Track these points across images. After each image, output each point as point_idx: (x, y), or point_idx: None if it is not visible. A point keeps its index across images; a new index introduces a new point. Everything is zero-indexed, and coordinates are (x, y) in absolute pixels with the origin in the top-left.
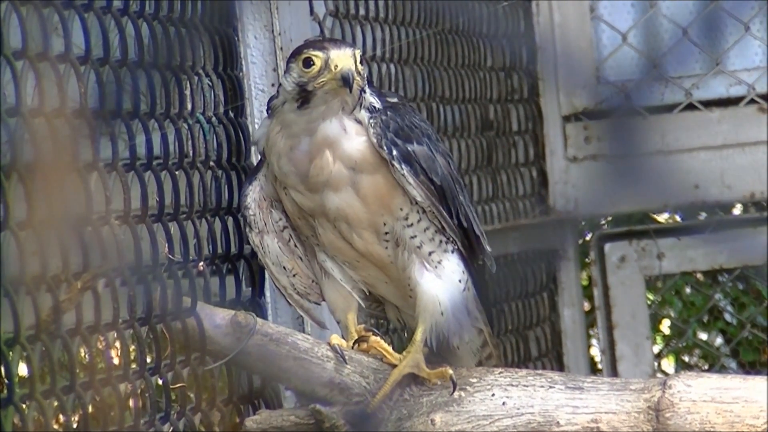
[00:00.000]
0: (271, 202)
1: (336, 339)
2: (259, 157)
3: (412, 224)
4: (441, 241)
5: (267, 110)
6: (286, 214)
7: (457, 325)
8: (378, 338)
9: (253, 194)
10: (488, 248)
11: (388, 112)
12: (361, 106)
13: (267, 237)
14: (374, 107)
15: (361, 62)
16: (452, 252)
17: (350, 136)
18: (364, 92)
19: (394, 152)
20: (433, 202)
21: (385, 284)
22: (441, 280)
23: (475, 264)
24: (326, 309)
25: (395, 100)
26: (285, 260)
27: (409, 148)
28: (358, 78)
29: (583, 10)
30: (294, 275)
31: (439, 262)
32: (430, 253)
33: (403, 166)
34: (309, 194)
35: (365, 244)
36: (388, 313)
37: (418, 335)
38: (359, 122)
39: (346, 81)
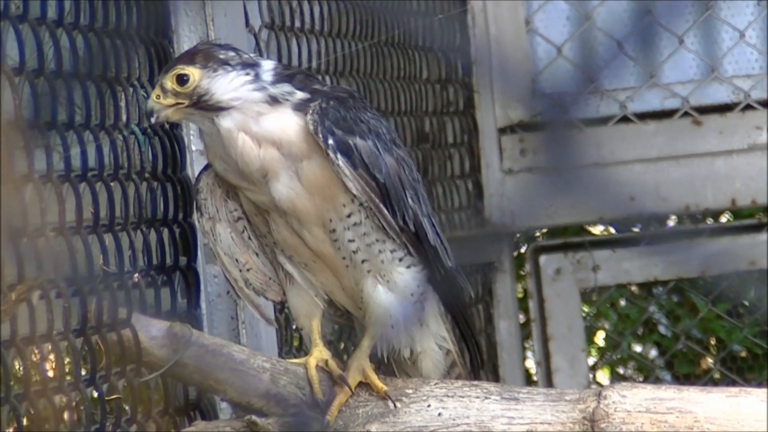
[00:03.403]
0: (227, 191)
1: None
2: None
3: (356, 223)
4: (391, 250)
5: None
6: (242, 206)
7: (408, 338)
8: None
9: (207, 179)
10: (448, 263)
11: (331, 102)
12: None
13: (219, 225)
14: (275, 97)
15: (211, 62)
16: (401, 261)
17: (265, 116)
18: (206, 98)
19: (330, 141)
20: (372, 197)
21: (342, 291)
22: (392, 293)
23: (437, 277)
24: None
25: (344, 94)
26: (238, 252)
27: (349, 140)
28: (169, 99)
29: (518, 22)
30: (248, 270)
31: (390, 273)
32: (380, 261)
33: (339, 156)
34: (256, 188)
35: (316, 243)
36: (355, 322)
37: (365, 342)
38: (276, 101)
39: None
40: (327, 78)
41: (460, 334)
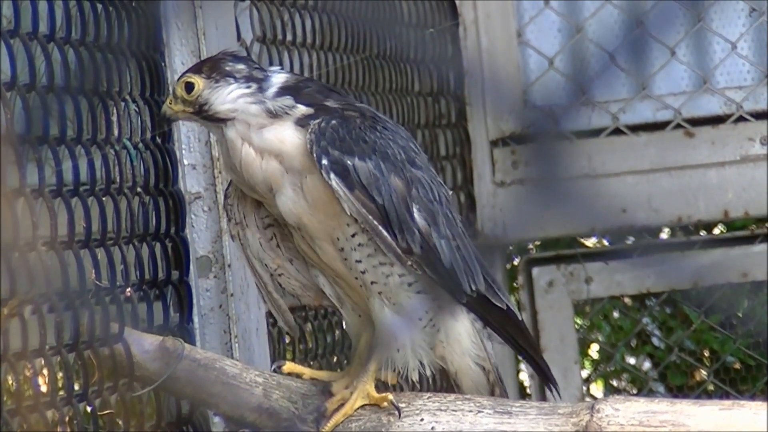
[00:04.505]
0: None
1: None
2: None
3: (360, 244)
4: (399, 274)
5: None
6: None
7: (416, 361)
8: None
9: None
10: (472, 285)
11: (333, 121)
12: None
13: (247, 231)
14: (274, 111)
15: (215, 74)
16: (411, 286)
17: (267, 128)
18: (207, 106)
19: (324, 161)
20: (369, 219)
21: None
22: (399, 316)
23: (462, 300)
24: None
25: (354, 112)
26: (267, 258)
27: (347, 161)
28: (179, 106)
29: (510, 35)
30: (280, 275)
31: (397, 296)
32: (388, 283)
33: (332, 177)
34: (266, 200)
35: (329, 259)
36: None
37: (372, 367)
38: (275, 115)
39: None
40: None
41: (518, 350)
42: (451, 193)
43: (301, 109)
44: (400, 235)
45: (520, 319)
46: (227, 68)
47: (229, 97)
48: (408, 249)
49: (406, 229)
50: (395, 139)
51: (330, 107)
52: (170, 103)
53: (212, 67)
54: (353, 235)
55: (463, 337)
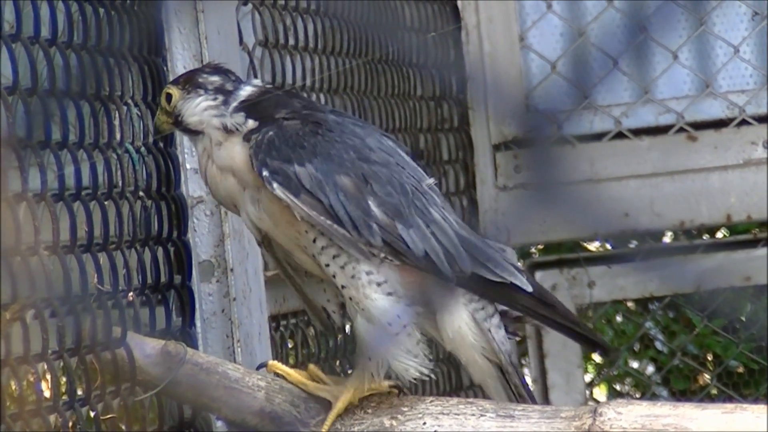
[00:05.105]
0: None
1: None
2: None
3: (323, 247)
4: (366, 272)
5: None
6: None
7: (401, 366)
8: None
9: None
10: (450, 269)
11: (270, 133)
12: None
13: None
14: (229, 127)
15: (188, 85)
16: (380, 286)
17: (223, 144)
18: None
19: (264, 172)
20: (321, 220)
21: None
22: (370, 324)
23: (454, 280)
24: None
25: (294, 121)
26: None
27: (287, 169)
28: (164, 117)
29: (512, 39)
30: None
31: (364, 300)
32: (357, 286)
33: (276, 186)
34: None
35: (309, 267)
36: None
37: (353, 376)
38: (229, 131)
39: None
40: (321, 96)
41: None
42: (433, 181)
43: (249, 124)
44: (354, 232)
45: (532, 290)
46: (200, 80)
47: (197, 108)
48: (368, 243)
49: (362, 224)
50: (343, 139)
51: (273, 118)
52: (159, 115)
53: (187, 79)
54: (314, 240)
55: (464, 330)
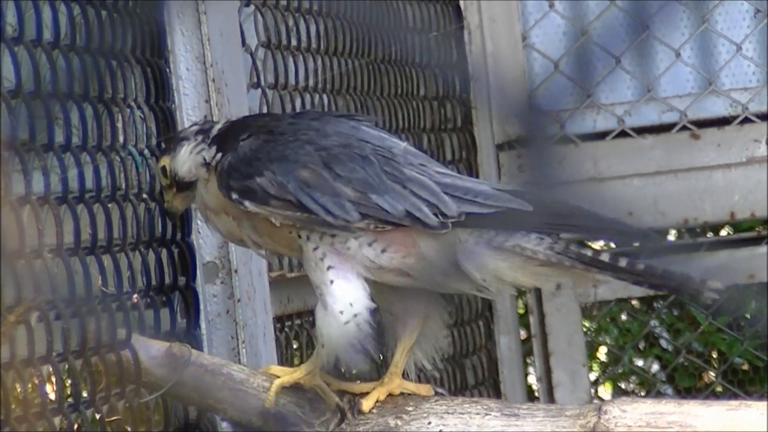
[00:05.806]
0: None
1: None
2: None
3: (309, 238)
4: (314, 248)
5: None
6: None
7: (347, 358)
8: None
9: None
10: (451, 210)
11: (228, 158)
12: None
13: None
14: (207, 161)
15: (172, 144)
16: (329, 270)
17: (209, 184)
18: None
19: (234, 195)
20: (296, 216)
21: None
22: (324, 311)
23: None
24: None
25: (245, 139)
26: None
27: (249, 184)
28: (170, 193)
29: (515, 38)
30: None
31: (318, 286)
32: (311, 271)
33: (247, 203)
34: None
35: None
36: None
37: (308, 361)
38: (210, 166)
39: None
40: (324, 97)
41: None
42: (406, 143)
43: (217, 157)
44: (329, 216)
45: (534, 208)
46: (181, 135)
47: (185, 156)
48: (345, 221)
49: (333, 207)
50: (297, 137)
51: (231, 144)
52: (165, 196)
53: (171, 141)
54: (300, 236)
55: (497, 266)
